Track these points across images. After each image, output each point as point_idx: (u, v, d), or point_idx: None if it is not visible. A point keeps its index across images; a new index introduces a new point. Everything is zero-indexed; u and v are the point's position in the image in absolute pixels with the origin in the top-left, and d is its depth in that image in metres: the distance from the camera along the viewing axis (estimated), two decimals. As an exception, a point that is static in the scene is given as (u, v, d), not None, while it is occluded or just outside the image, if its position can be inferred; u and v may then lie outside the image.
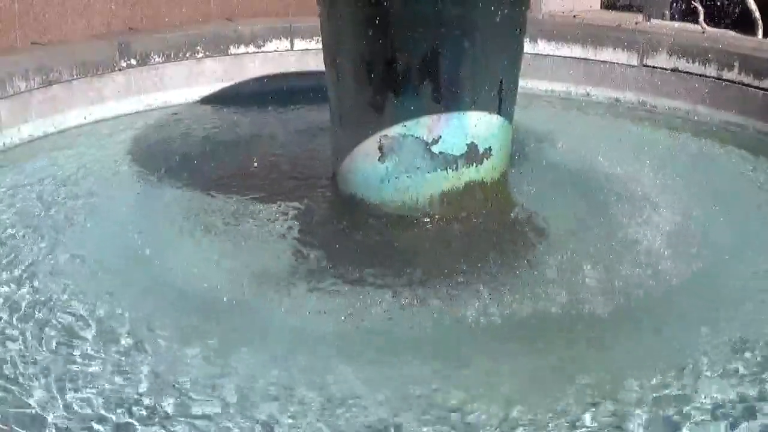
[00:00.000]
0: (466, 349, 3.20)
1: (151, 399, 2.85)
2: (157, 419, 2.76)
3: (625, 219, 4.18)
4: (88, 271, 3.77)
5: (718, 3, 6.75)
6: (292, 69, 6.92)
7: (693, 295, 3.60)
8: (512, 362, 3.12)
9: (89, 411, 2.78)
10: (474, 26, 3.83)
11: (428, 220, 4.05)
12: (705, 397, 2.88)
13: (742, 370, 3.06)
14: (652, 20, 7.55)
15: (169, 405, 2.82)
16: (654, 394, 2.90)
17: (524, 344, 3.24)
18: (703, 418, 2.79)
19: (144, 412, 2.79)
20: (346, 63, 4.06)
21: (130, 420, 2.74)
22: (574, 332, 3.31)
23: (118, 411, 2.78)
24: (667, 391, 2.92)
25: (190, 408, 2.81)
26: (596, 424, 2.75)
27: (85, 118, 5.98)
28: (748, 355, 3.15)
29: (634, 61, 6.65)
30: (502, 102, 4.08)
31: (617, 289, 3.55)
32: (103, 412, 2.78)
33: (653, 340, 3.30)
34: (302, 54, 6.94)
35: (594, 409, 2.82)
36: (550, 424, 2.75)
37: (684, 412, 2.82)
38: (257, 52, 6.91)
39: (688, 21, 7.26)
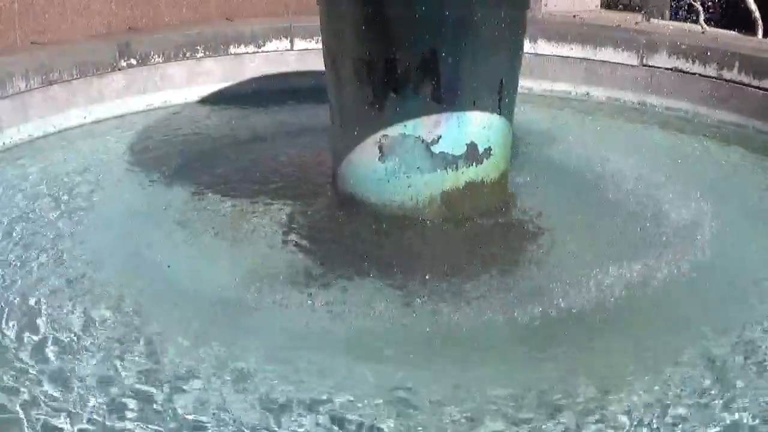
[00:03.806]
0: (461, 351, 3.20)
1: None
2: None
3: (626, 218, 4.18)
4: (89, 280, 3.74)
5: (718, 3, 6.75)
6: (292, 69, 6.92)
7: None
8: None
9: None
10: (474, 26, 3.83)
11: (428, 219, 4.05)
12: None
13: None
14: (652, 20, 7.55)
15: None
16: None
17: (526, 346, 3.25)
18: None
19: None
20: (346, 63, 4.06)
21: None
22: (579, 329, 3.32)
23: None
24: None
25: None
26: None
27: (85, 117, 5.98)
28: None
29: (634, 61, 6.66)
30: (502, 102, 4.08)
31: (622, 285, 3.56)
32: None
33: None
34: (302, 54, 6.94)
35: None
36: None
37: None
38: (257, 52, 6.91)
39: (688, 21, 7.26)
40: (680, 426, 2.74)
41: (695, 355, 3.15)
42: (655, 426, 2.74)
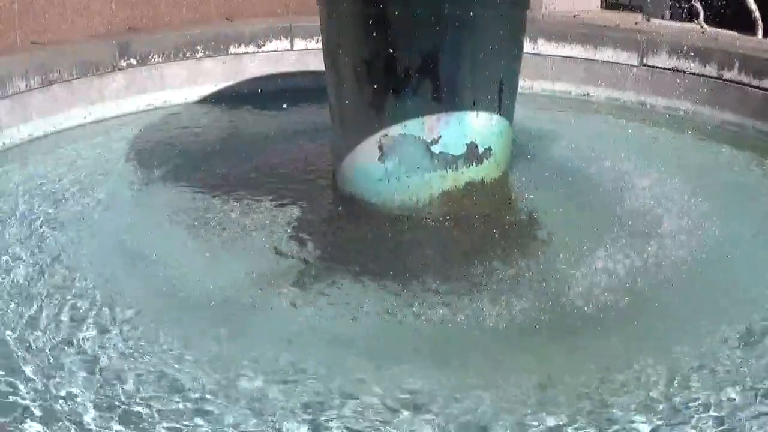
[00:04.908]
0: (460, 349, 3.20)
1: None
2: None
3: (624, 216, 4.17)
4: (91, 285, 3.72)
5: (718, 3, 6.74)
6: (292, 69, 6.92)
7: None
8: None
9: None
10: (474, 26, 3.83)
11: (428, 219, 4.04)
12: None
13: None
14: (652, 20, 7.55)
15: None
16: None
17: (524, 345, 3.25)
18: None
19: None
20: (346, 63, 4.06)
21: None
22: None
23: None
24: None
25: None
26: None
27: (85, 117, 5.99)
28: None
29: (634, 61, 6.65)
30: (502, 102, 4.08)
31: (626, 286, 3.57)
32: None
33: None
34: (302, 54, 6.94)
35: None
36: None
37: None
38: (257, 52, 6.91)
39: (688, 21, 7.26)
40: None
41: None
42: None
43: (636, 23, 7.38)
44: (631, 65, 6.66)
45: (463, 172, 4.06)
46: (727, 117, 6.11)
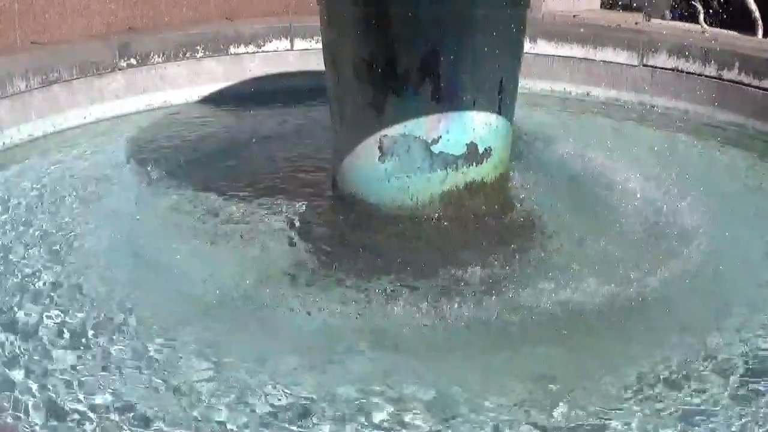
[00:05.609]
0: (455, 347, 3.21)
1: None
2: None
3: (623, 219, 4.17)
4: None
5: (718, 3, 6.74)
6: (292, 69, 6.92)
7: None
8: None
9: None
10: (474, 26, 3.84)
11: (428, 220, 4.04)
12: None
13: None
14: (652, 20, 7.55)
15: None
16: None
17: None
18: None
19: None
20: (346, 63, 4.06)
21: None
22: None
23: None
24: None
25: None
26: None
27: (85, 117, 5.99)
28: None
29: (634, 61, 6.66)
30: (502, 102, 4.08)
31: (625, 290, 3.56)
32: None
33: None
34: (302, 54, 6.94)
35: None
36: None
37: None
38: (257, 52, 6.92)
39: (688, 21, 7.26)
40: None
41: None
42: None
43: (636, 23, 7.38)
44: (631, 65, 6.67)
45: (463, 173, 4.06)
46: (727, 117, 6.11)
